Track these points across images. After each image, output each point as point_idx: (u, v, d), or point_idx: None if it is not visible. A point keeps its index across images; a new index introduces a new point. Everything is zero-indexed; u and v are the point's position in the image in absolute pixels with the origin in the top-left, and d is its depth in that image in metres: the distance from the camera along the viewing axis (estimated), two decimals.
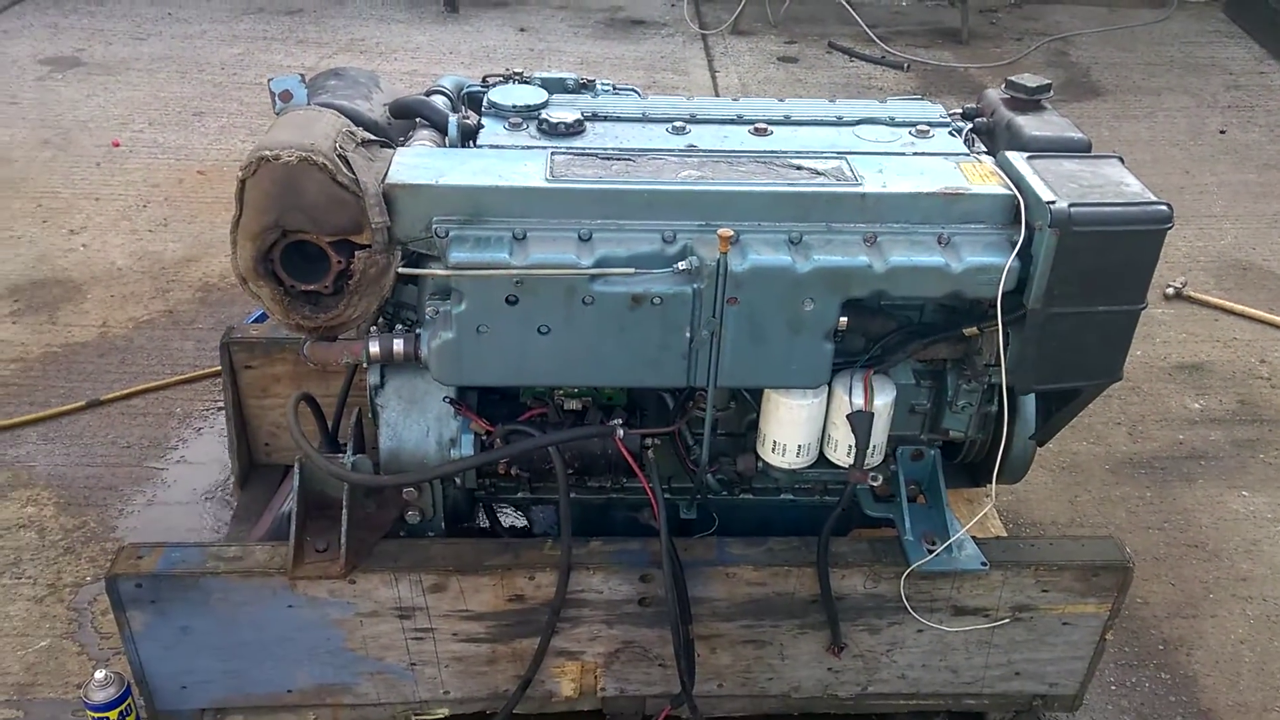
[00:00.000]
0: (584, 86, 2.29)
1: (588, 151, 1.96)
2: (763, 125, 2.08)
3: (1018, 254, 1.84)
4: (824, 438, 2.12)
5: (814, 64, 6.82)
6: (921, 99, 2.30)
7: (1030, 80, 2.14)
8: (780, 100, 2.23)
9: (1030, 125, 2.07)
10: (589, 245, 1.83)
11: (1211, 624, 2.75)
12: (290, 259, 1.83)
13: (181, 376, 3.53)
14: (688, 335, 1.88)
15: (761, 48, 7.05)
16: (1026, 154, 1.97)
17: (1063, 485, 3.22)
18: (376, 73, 2.30)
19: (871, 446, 2.08)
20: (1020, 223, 1.85)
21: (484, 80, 2.32)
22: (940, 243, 1.88)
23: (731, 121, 2.12)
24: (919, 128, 2.11)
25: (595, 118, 2.10)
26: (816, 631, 2.26)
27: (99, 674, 2.12)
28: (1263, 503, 3.15)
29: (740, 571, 2.17)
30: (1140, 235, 1.82)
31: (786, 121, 2.13)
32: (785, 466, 2.12)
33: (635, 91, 2.33)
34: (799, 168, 1.93)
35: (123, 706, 2.13)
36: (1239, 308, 4.13)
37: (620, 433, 1.97)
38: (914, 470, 2.29)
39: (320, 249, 1.81)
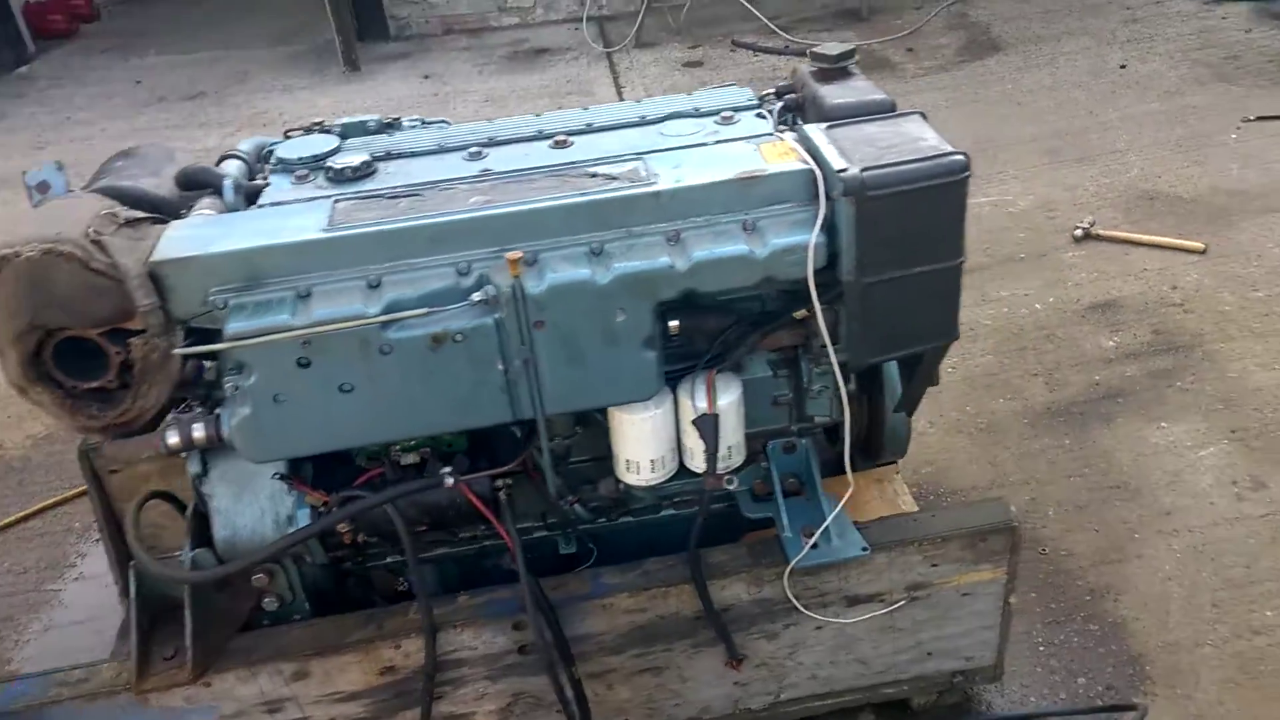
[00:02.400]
0: (388, 126, 2.21)
1: (375, 194, 1.87)
2: (562, 138, 2.00)
3: (822, 229, 1.76)
4: (680, 447, 2.03)
5: (719, 64, 6.79)
6: (734, 85, 2.22)
7: (832, 48, 2.07)
8: (585, 109, 2.15)
9: (832, 94, 1.99)
10: (378, 291, 1.74)
11: (1138, 565, 2.66)
12: (65, 357, 1.74)
13: (78, 489, 3.42)
14: (500, 368, 1.79)
15: (666, 56, 7.02)
16: (826, 124, 1.88)
17: (982, 447, 3.13)
18: (174, 148, 2.21)
19: (726, 448, 1.98)
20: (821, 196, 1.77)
21: (285, 135, 2.24)
22: (746, 230, 1.80)
23: (532, 138, 2.04)
24: (723, 115, 2.03)
25: (388, 157, 2.02)
26: (712, 647, 2.15)
27: None
28: (1181, 431, 3.07)
29: (616, 601, 2.07)
30: (939, 189, 1.73)
31: (588, 130, 2.05)
32: (643, 484, 2.03)
33: (445, 123, 2.25)
34: (593, 175, 1.84)
35: None
36: (1147, 238, 4.07)
37: (449, 481, 1.87)
38: (789, 463, 2.20)
39: (95, 343, 1.72)
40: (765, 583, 2.09)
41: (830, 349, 1.85)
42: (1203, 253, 3.93)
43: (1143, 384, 3.29)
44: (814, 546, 2.07)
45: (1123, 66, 5.83)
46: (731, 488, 2.02)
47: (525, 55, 7.40)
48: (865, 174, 1.70)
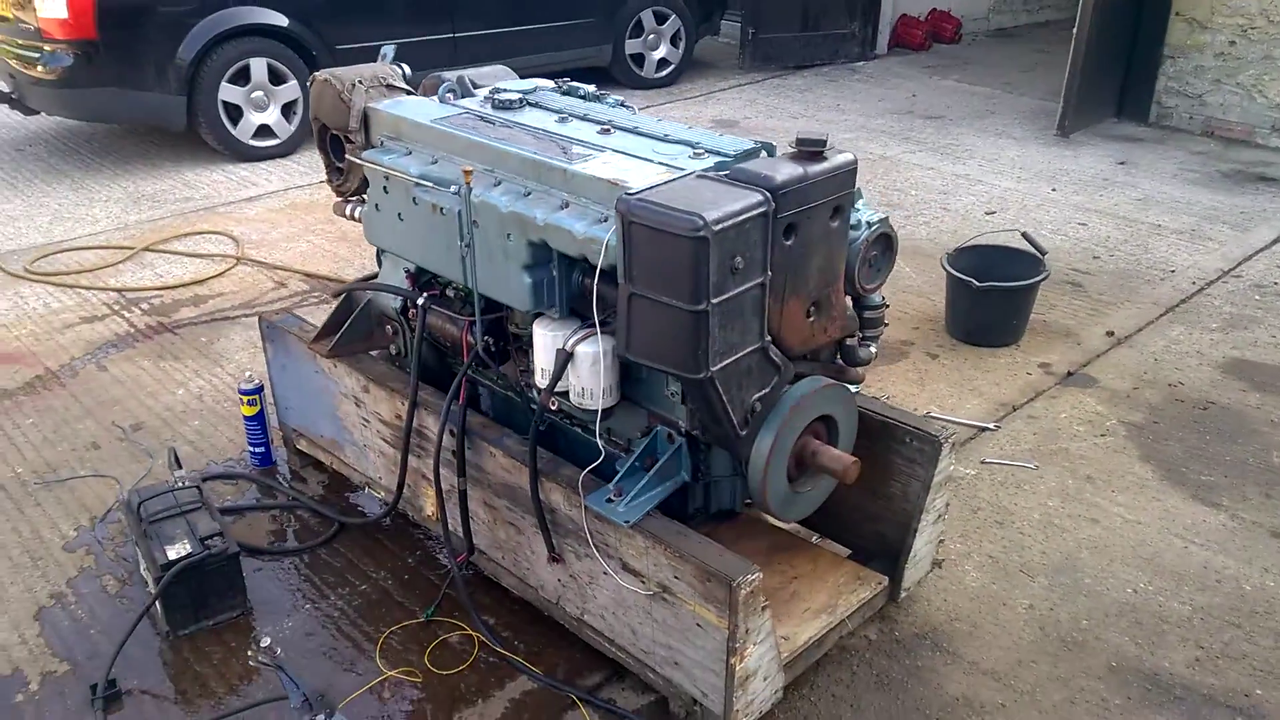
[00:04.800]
0: (597, 98, 3.04)
1: (486, 116, 2.81)
2: (607, 127, 2.68)
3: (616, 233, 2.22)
4: None
5: None
6: (765, 141, 2.54)
7: (813, 134, 2.33)
8: (667, 124, 2.69)
9: (760, 165, 2.30)
10: (431, 165, 2.72)
11: None
12: (335, 144, 3.07)
13: None
14: (460, 242, 2.64)
15: None
16: (721, 173, 2.28)
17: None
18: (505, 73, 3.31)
19: (581, 388, 2.53)
20: None
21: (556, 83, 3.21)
22: (603, 219, 2.34)
23: (600, 124, 2.73)
24: (697, 150, 2.48)
25: (537, 105, 2.91)
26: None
27: (248, 373, 3.61)
28: None
29: (497, 455, 2.77)
30: (675, 238, 2.06)
31: (633, 131, 2.67)
32: (541, 386, 2.68)
33: (627, 109, 2.97)
34: (564, 149, 2.54)
35: (255, 396, 3.56)
36: None
37: (421, 299, 2.81)
38: (663, 447, 2.59)
39: (343, 140, 3.02)
40: (574, 506, 2.59)
41: (595, 318, 2.32)
42: None
43: None
44: (609, 501, 2.52)
45: None
46: (552, 410, 2.57)
47: (1240, 177, 6.79)
48: (632, 200, 2.14)
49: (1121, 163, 7.05)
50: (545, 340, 2.58)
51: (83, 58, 6.57)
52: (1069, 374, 4.27)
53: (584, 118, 2.80)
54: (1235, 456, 3.69)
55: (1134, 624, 2.89)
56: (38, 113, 7.21)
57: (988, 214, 6.13)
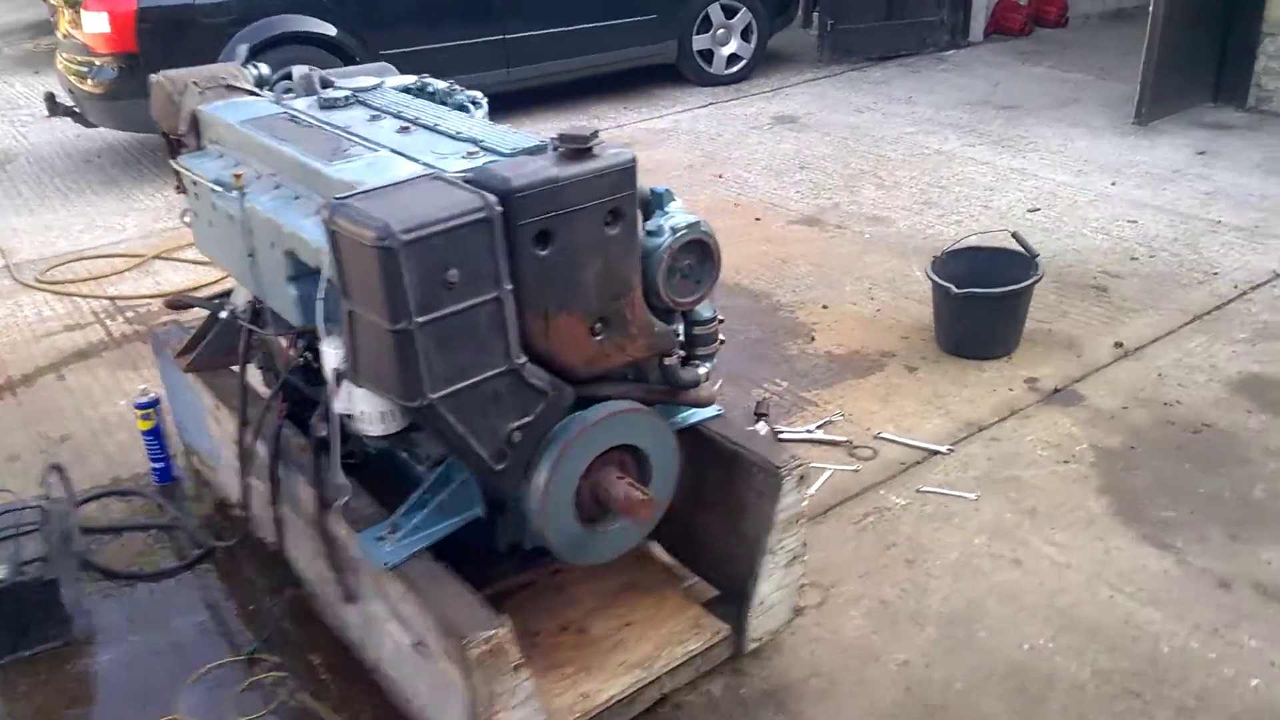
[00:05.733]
0: (447, 95, 2.78)
1: (299, 117, 2.60)
2: (407, 125, 2.42)
3: None
4: None
5: None
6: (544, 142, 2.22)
7: (578, 129, 2.03)
8: (471, 122, 2.43)
9: (502, 166, 2.01)
10: (231, 168, 2.53)
11: None
12: (175, 147, 2.93)
13: None
14: (246, 252, 2.44)
15: None
16: (460, 173, 2.01)
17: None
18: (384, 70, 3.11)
19: (360, 410, 2.29)
20: None
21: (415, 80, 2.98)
22: None
23: (406, 120, 2.48)
24: (474, 150, 2.20)
25: (364, 104, 2.67)
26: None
27: (142, 387, 3.52)
28: None
29: (300, 485, 2.55)
30: (368, 249, 1.79)
31: (432, 129, 2.40)
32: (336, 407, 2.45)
33: (475, 106, 2.71)
34: (340, 149, 2.30)
35: (150, 410, 3.47)
36: None
37: (224, 313, 2.62)
38: (457, 477, 2.32)
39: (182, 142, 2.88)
40: (351, 540, 2.35)
41: (323, 334, 2.07)
42: None
43: None
44: (380, 539, 2.27)
45: None
46: (321, 434, 2.33)
47: None
48: (336, 205, 1.88)
49: (1201, 152, 6.30)
50: (327, 358, 2.35)
51: (126, 70, 6.72)
52: (1055, 390, 3.75)
53: (397, 115, 2.56)
54: (1211, 489, 3.13)
55: (1016, 688, 2.45)
56: (96, 126, 7.46)
57: (1030, 211, 5.56)
